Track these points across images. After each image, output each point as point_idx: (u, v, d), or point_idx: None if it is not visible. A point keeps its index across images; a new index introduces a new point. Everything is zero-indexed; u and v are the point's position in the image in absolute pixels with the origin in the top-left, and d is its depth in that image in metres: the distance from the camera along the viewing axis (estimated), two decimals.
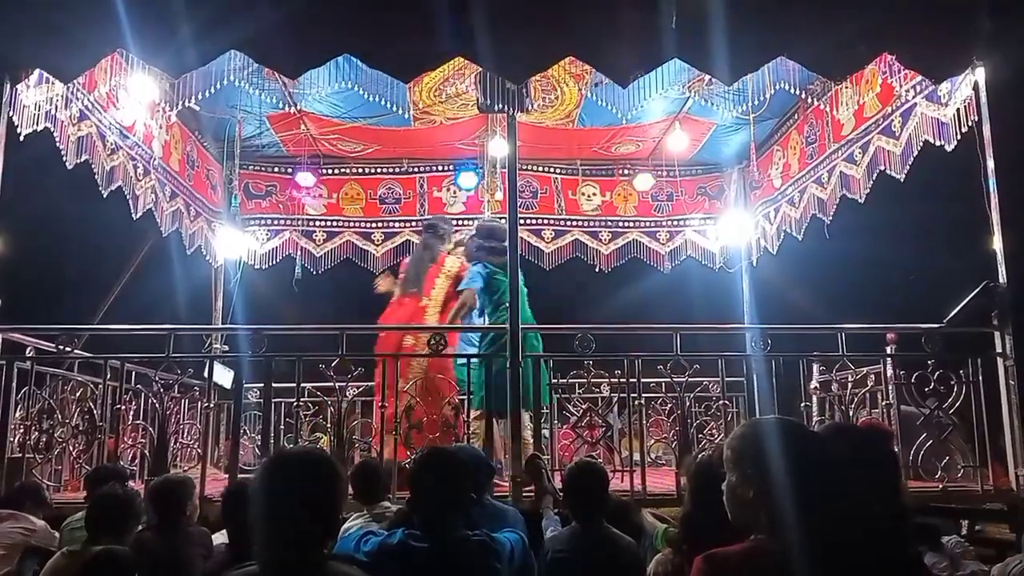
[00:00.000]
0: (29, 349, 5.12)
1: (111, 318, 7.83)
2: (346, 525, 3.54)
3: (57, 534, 3.96)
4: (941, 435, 4.92)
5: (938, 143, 5.29)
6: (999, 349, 4.98)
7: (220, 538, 3.50)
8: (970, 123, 4.99)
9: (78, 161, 5.43)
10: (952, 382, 4.97)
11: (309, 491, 1.91)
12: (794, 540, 1.62)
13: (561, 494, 3.74)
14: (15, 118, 4.84)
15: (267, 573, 1.88)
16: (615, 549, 3.12)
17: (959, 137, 5.10)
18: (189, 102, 5.59)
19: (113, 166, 5.92)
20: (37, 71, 4.88)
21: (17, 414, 4.93)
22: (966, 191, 5.17)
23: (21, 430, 4.93)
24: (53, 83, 4.98)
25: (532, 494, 4.35)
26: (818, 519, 1.64)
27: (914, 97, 5.51)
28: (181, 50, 4.52)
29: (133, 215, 6.40)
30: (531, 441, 4.95)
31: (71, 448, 5.26)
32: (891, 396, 5.25)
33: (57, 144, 5.21)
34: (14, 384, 4.87)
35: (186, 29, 4.45)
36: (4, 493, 4.23)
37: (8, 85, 4.79)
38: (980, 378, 4.97)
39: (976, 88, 4.94)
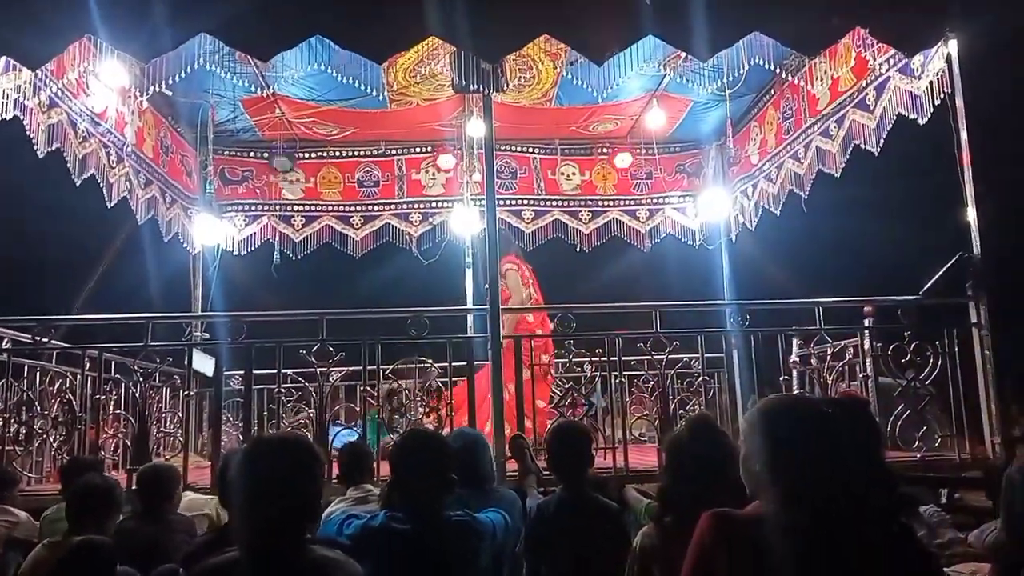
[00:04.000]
0: (6, 341, 5.07)
1: (89, 307, 7.77)
2: (329, 509, 3.54)
3: (38, 524, 3.94)
4: (918, 406, 4.99)
5: (912, 116, 5.32)
6: (974, 320, 5.04)
7: None
8: (943, 95, 5.02)
9: (49, 149, 5.34)
10: (928, 353, 5.04)
11: (288, 476, 1.91)
12: (796, 508, 1.71)
13: (545, 472, 3.76)
14: None
15: (248, 559, 1.88)
16: (597, 512, 3.15)
17: (932, 110, 5.13)
18: (160, 87, 5.50)
19: (86, 154, 5.83)
20: (3, 58, 4.78)
21: None
22: (940, 164, 5.21)
23: (0, 423, 4.89)
24: (20, 70, 4.89)
25: (516, 474, 4.36)
26: (815, 490, 1.73)
27: (888, 70, 5.53)
28: (151, 35, 4.46)
29: (108, 203, 6.32)
30: None
31: (51, 439, 5.22)
32: (869, 368, 5.31)
33: (27, 132, 5.13)
34: None
35: (155, 13, 4.38)
36: None
37: None
38: (956, 349, 5.04)
39: (949, 60, 4.96)
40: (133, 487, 3.81)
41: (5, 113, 4.88)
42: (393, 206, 8.85)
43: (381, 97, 6.61)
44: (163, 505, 3.59)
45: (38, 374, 5.23)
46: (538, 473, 4.10)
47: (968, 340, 5.06)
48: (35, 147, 5.21)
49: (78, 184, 5.81)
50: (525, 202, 8.92)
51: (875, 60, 5.50)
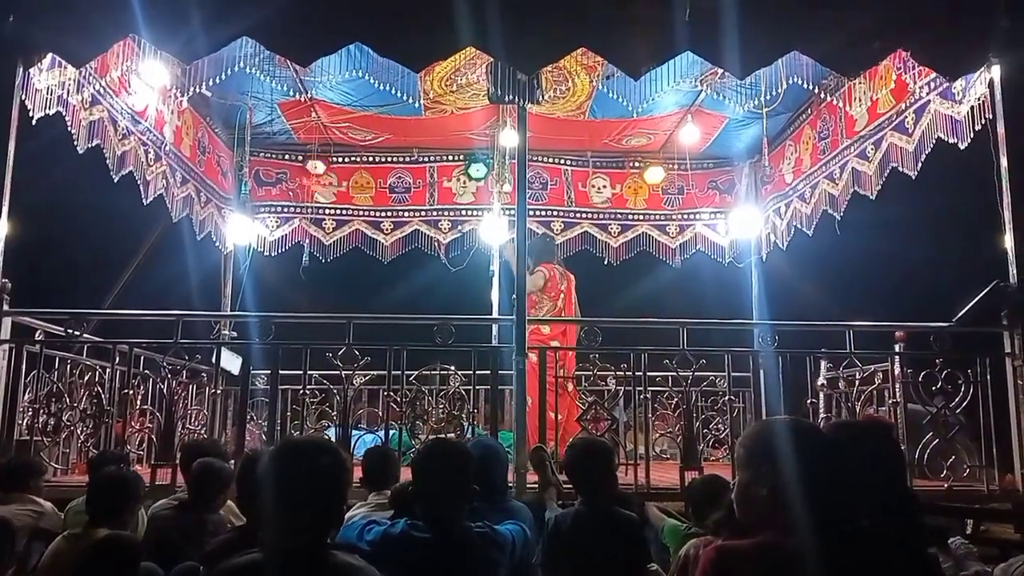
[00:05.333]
0: (38, 332, 5.14)
1: (122, 303, 7.87)
2: (349, 514, 3.55)
3: (63, 516, 3.98)
4: (947, 434, 4.91)
5: (951, 141, 5.25)
6: (1008, 349, 4.96)
7: None
8: (984, 121, 4.95)
9: (89, 146, 5.45)
10: (960, 381, 4.95)
11: (316, 480, 1.92)
12: (809, 536, 1.63)
13: (566, 485, 3.75)
14: (28, 102, 4.85)
15: (271, 560, 1.89)
16: (616, 525, 3.14)
17: (972, 135, 5.06)
18: (200, 88, 5.60)
19: (124, 151, 5.93)
20: (50, 55, 4.88)
21: (26, 397, 4.96)
22: (978, 189, 5.13)
23: (30, 413, 4.96)
24: (65, 67, 4.99)
25: (536, 486, 4.35)
26: (832, 514, 1.66)
27: (928, 94, 5.46)
28: (192, 36, 4.53)
29: (144, 200, 6.40)
30: None
31: (79, 431, 5.29)
32: (898, 394, 5.23)
33: (69, 128, 5.23)
34: (23, 367, 4.91)
35: (198, 15, 4.46)
36: (4, 471, 4.22)
37: (21, 69, 4.80)
38: (988, 378, 4.94)
39: (991, 86, 4.90)
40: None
41: (48, 109, 4.98)
42: (423, 213, 8.89)
43: (416, 105, 6.66)
44: (205, 502, 3.56)
45: (68, 366, 5.30)
46: (558, 486, 4.08)
47: (1001, 369, 4.97)
48: (75, 143, 5.30)
49: (116, 180, 5.90)
50: (555, 213, 8.92)
51: (915, 83, 5.44)
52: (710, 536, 2.75)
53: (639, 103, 5.97)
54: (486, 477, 3.05)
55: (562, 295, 6.78)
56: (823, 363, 5.92)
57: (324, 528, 1.93)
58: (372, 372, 5.74)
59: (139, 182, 6.25)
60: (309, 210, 8.79)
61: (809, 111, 7.31)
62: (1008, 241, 4.91)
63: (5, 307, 4.85)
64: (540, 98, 5.36)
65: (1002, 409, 4.93)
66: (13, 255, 4.85)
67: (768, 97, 6.20)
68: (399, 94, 5.92)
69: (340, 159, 8.74)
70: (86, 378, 5.35)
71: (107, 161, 5.73)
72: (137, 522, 3.64)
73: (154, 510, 3.66)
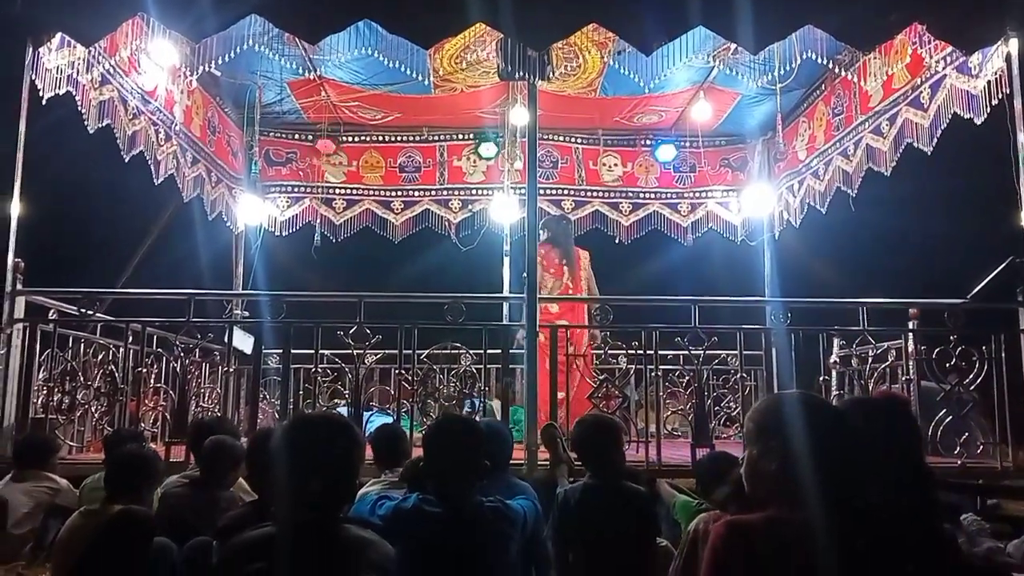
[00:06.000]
0: (52, 312, 5.17)
1: (134, 282, 7.90)
2: (363, 490, 3.57)
3: (78, 492, 4.02)
4: (961, 411, 4.89)
5: (967, 116, 5.18)
6: (1023, 326, 4.92)
7: None
8: (1001, 96, 4.88)
9: (100, 125, 5.44)
10: (974, 358, 4.92)
11: (330, 455, 1.93)
12: (819, 510, 1.62)
13: (576, 462, 3.76)
14: (37, 81, 4.84)
15: (284, 533, 1.90)
16: (626, 499, 3.16)
17: (989, 110, 4.99)
18: (210, 67, 5.59)
19: (135, 131, 5.93)
20: (59, 34, 4.87)
21: (40, 376, 5.00)
22: (994, 165, 5.07)
23: (44, 391, 5.00)
24: (75, 47, 4.98)
25: (547, 463, 4.36)
26: (843, 489, 1.65)
27: (944, 68, 5.39)
28: (201, 14, 4.51)
29: (155, 180, 6.41)
30: None
31: (93, 410, 5.33)
32: (911, 371, 5.20)
33: (79, 108, 5.22)
34: (37, 346, 4.94)
35: None
36: (20, 448, 4.26)
37: (30, 48, 4.79)
38: (1003, 355, 4.91)
39: (1008, 60, 4.82)
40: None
41: (58, 88, 4.97)
42: (433, 192, 8.88)
43: (426, 83, 6.63)
44: (217, 480, 3.57)
45: (82, 345, 5.34)
46: (569, 463, 4.09)
47: (1016, 347, 4.94)
48: (85, 122, 5.30)
49: (127, 160, 5.91)
50: (565, 192, 8.89)
51: (931, 57, 5.36)
52: (719, 511, 2.76)
53: (651, 79, 5.92)
54: (490, 453, 3.05)
55: (566, 271, 6.73)
56: (836, 340, 5.89)
57: (336, 502, 1.94)
58: (383, 351, 5.75)
59: (150, 162, 6.25)
60: (319, 190, 8.79)
61: (823, 87, 7.23)
62: (1023, 217, 4.86)
63: (19, 286, 4.87)
64: (551, 75, 5.31)
65: (1016, 386, 4.90)
66: (26, 235, 4.86)
67: (782, 72, 6.14)
68: (408, 72, 5.90)
69: (350, 138, 8.73)
70: (100, 357, 5.39)
71: (118, 141, 5.73)
72: (152, 500, 3.68)
73: (165, 487, 3.68)
